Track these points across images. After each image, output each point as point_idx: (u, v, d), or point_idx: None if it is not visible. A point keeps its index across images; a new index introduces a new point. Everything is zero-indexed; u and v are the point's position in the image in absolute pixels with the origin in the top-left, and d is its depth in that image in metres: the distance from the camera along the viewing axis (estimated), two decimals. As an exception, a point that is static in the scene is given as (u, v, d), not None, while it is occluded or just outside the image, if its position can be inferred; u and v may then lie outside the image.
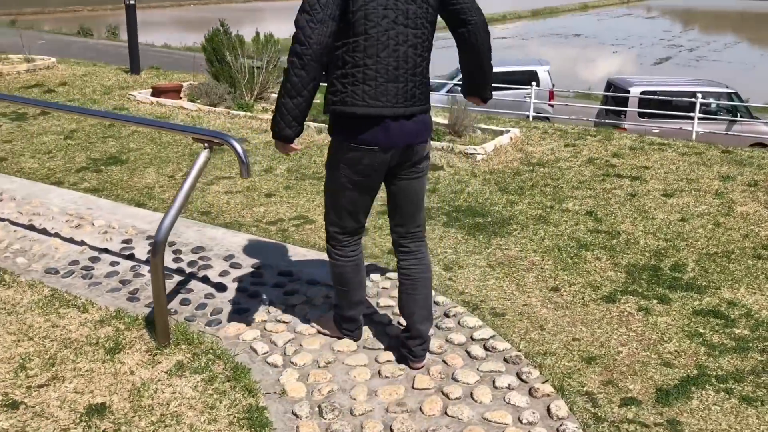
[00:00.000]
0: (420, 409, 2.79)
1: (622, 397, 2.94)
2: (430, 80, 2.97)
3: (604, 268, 4.19)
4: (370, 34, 2.64)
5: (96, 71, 10.36)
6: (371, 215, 4.63)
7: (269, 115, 7.52)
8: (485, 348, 3.22)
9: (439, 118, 7.53)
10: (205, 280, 3.83)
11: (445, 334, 3.32)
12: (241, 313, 3.47)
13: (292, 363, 3.06)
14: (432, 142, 6.53)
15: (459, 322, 3.43)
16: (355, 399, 2.84)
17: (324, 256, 4.00)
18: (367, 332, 3.31)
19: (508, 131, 7.01)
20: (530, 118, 11.69)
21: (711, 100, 13.19)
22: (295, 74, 2.62)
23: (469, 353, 3.17)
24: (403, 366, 3.06)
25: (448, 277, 3.99)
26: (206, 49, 8.61)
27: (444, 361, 3.12)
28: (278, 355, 3.11)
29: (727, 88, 13.56)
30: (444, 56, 11.94)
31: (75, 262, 4.01)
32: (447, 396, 2.86)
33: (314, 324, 3.34)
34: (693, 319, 3.61)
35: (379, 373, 3.01)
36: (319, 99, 3.42)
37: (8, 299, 3.57)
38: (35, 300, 3.57)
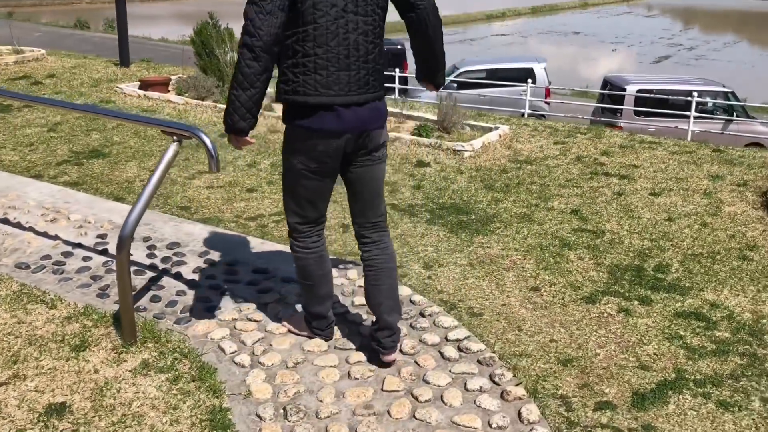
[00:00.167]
0: (388, 411, 2.71)
1: (597, 401, 2.87)
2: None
3: (586, 268, 4.11)
4: (319, 23, 2.59)
5: (85, 64, 10.26)
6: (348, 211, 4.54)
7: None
8: (459, 349, 3.14)
9: (428, 114, 7.45)
10: (178, 276, 3.75)
11: (419, 334, 3.25)
12: (212, 310, 3.39)
13: (260, 363, 2.99)
14: (420, 139, 6.46)
15: (434, 322, 3.36)
16: (321, 401, 2.77)
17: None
18: (339, 332, 3.24)
19: (497, 128, 6.92)
20: (525, 116, 11.61)
21: (707, 99, 13.12)
22: (246, 66, 2.58)
23: (442, 354, 3.09)
24: (373, 367, 2.99)
25: (427, 276, 3.91)
26: (195, 42, 8.52)
27: (416, 362, 3.04)
28: (246, 355, 3.03)
29: (724, 87, 13.48)
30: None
31: (47, 257, 3.93)
32: (416, 398, 2.79)
33: (285, 323, 3.27)
34: (674, 321, 3.54)
35: (349, 374, 2.94)
36: (272, 88, 3.36)
37: (-25, 294, 3.50)
38: (2, 295, 3.49)
